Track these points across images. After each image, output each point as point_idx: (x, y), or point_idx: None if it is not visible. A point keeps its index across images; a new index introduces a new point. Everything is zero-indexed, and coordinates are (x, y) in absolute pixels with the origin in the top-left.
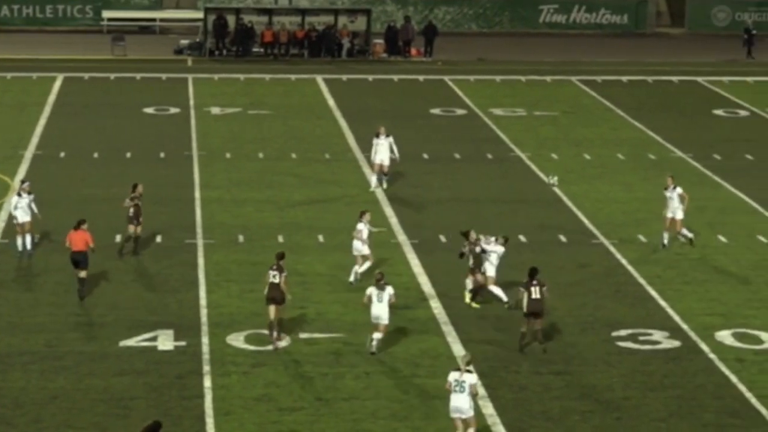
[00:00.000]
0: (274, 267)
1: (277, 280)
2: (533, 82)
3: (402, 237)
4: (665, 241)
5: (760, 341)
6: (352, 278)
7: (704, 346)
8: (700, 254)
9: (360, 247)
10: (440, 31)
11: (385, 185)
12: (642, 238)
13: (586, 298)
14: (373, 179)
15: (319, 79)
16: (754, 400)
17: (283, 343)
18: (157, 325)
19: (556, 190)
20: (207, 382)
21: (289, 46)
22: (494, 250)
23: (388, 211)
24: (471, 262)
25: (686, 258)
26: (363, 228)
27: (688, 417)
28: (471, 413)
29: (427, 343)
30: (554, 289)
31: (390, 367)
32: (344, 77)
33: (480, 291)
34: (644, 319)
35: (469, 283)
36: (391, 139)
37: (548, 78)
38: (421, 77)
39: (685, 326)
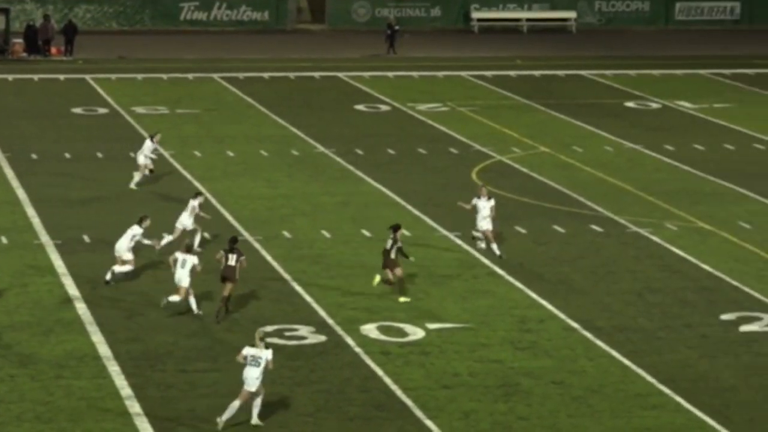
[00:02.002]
0: None
1: None
2: (175, 80)
3: (45, 237)
4: (483, 245)
5: (404, 334)
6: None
7: (350, 340)
8: (344, 249)
9: (186, 222)
10: (81, 30)
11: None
12: (286, 234)
13: None
14: (137, 177)
15: None
16: (399, 392)
17: None
18: None
19: (199, 186)
20: None
21: None
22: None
23: (30, 211)
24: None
25: (328, 253)
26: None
27: (335, 411)
28: (259, 384)
29: (72, 344)
30: (196, 286)
31: (35, 370)
32: None
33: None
34: (290, 315)
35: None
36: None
37: (190, 75)
38: (61, 76)
39: (330, 321)
